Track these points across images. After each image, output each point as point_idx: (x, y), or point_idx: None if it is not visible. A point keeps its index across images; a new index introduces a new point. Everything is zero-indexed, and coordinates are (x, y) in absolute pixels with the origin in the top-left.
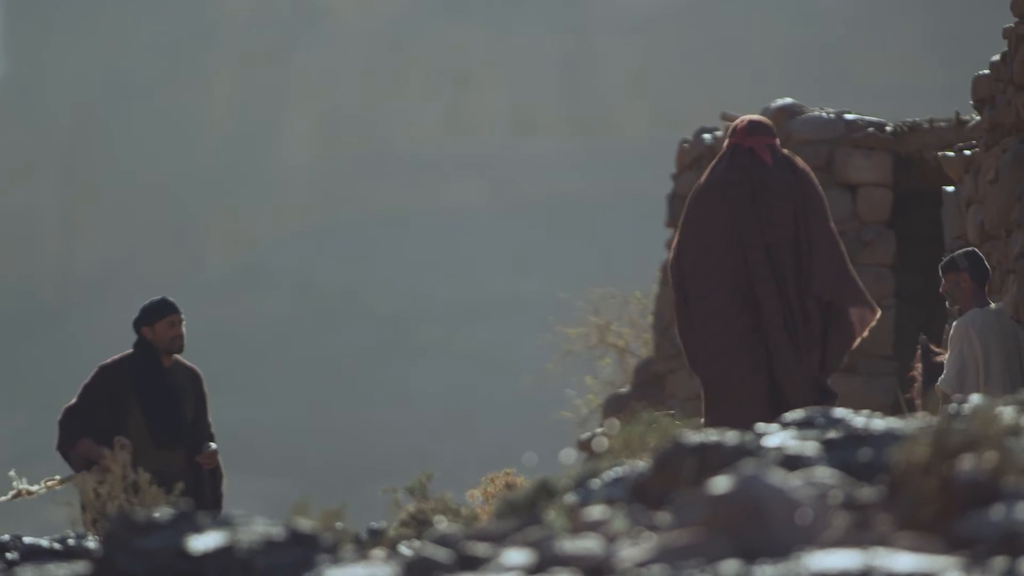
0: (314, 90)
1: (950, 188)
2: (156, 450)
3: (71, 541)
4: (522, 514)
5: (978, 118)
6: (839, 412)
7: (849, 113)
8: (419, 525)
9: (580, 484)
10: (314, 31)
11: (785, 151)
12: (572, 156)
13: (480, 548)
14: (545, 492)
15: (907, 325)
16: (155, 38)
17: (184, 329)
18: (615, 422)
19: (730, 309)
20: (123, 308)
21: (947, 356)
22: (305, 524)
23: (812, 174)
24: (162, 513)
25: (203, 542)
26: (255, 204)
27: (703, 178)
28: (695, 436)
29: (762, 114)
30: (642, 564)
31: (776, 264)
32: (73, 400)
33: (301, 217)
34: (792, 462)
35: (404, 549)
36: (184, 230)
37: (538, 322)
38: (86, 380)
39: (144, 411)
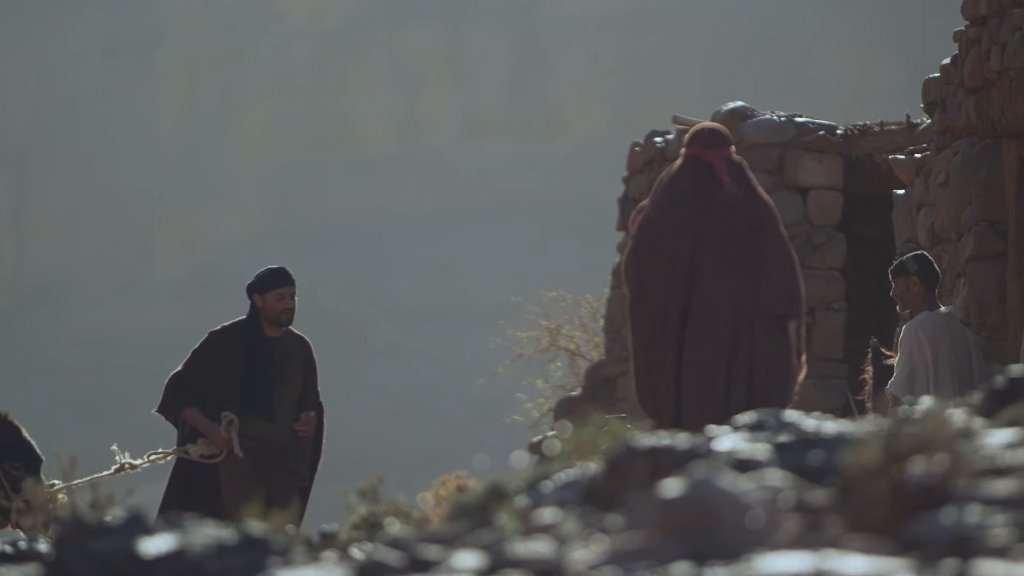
0: (266, 93)
1: (901, 191)
2: (255, 419)
3: (22, 544)
4: (473, 517)
5: (928, 121)
6: (790, 415)
7: (800, 116)
8: (371, 528)
9: (531, 487)
10: (266, 34)
11: (737, 158)
12: (523, 159)
13: (431, 551)
14: (496, 495)
15: (858, 328)
16: (106, 41)
17: (295, 302)
18: (566, 425)
19: (668, 324)
20: (75, 312)
21: (897, 359)
22: (256, 527)
23: (761, 190)
24: (114, 516)
25: (155, 545)
26: (208, 207)
27: (661, 188)
28: (646, 439)
29: (713, 117)
30: (593, 567)
31: (726, 280)
32: (179, 367)
33: (254, 219)
34: (743, 465)
35: (356, 552)
36: (137, 233)
37: (490, 325)
38: (195, 346)
39: (240, 380)
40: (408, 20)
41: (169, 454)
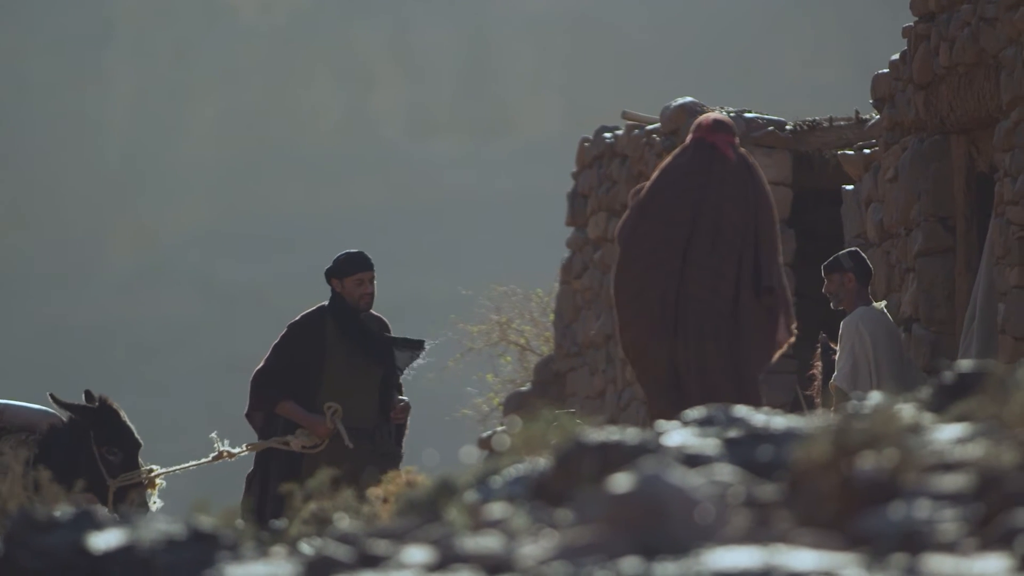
0: (215, 89)
1: (850, 186)
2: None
3: None
4: (423, 512)
5: (877, 117)
6: (739, 410)
7: (749, 112)
8: (320, 523)
9: (481, 482)
10: (215, 29)
11: (743, 150)
12: (472, 155)
13: (381, 546)
14: (446, 490)
15: (807, 323)
16: (54, 37)
17: (374, 287)
18: (516, 420)
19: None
20: (22, 308)
21: (838, 354)
22: (206, 522)
23: (764, 177)
24: (63, 511)
25: (104, 540)
26: (156, 203)
27: (664, 165)
28: (596, 434)
29: (662, 114)
30: (543, 562)
31: (720, 255)
32: (262, 363)
33: (203, 216)
34: (692, 460)
35: (305, 547)
36: (85, 229)
37: (440, 320)
38: (276, 340)
39: (347, 359)
40: (358, 16)
41: (268, 444)
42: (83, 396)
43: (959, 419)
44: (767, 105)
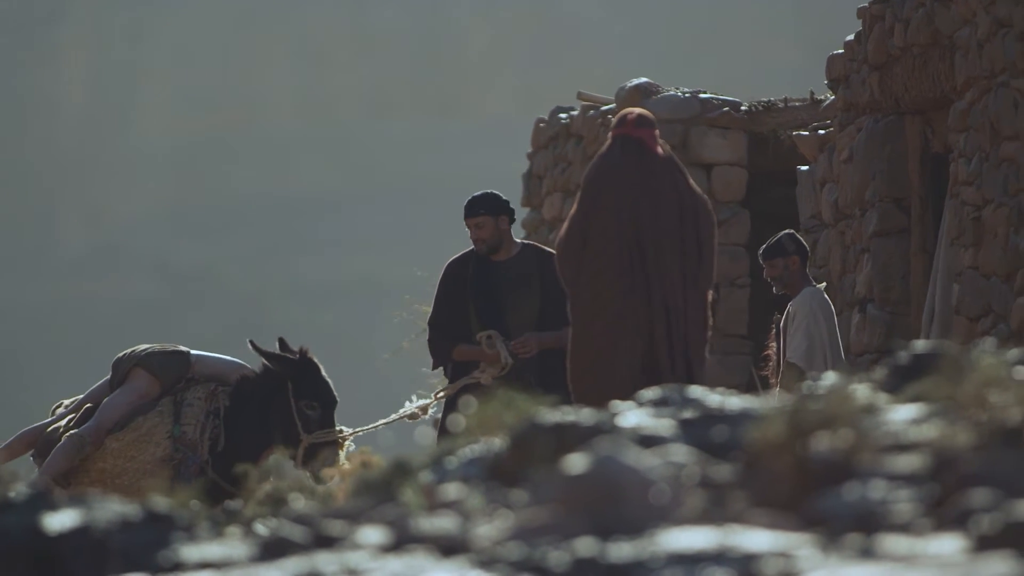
0: (169, 69)
1: (805, 167)
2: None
3: None
4: (378, 493)
5: (832, 97)
6: (694, 391)
7: (704, 92)
8: (275, 504)
9: (436, 463)
10: (169, 10)
11: (665, 146)
12: (427, 135)
13: (336, 527)
14: (401, 471)
15: (761, 304)
16: (6, 15)
17: (489, 231)
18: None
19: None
20: None
21: (793, 333)
22: (160, 503)
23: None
24: (17, 492)
25: (59, 521)
26: (111, 184)
27: (594, 164)
28: (551, 415)
29: (617, 94)
30: (498, 542)
31: (660, 252)
32: (431, 312)
33: (158, 197)
34: (648, 441)
35: (260, 528)
36: (40, 210)
37: (396, 301)
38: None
39: (472, 309)
40: None
41: (459, 386)
42: (277, 345)
43: (914, 400)
44: (722, 86)
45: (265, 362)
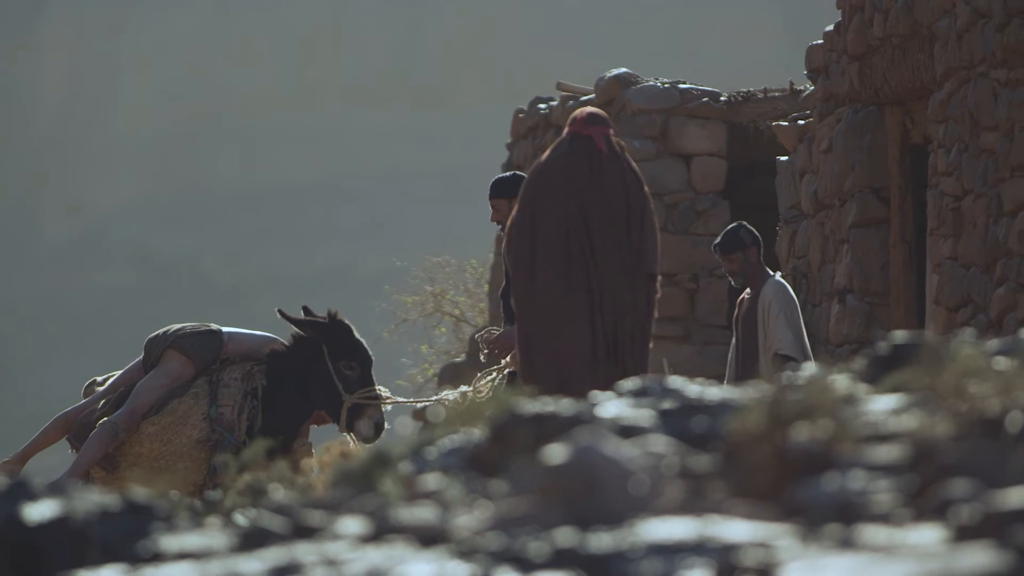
0: (150, 59)
1: (784, 158)
2: None
3: None
4: (358, 483)
5: (812, 88)
6: (674, 381)
7: (683, 83)
8: (255, 494)
9: (416, 453)
10: (149, 1)
11: (616, 139)
12: (407, 126)
13: (315, 517)
14: (380, 461)
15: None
16: None
17: (503, 217)
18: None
19: (560, 284)
20: None
21: (773, 323)
22: (140, 493)
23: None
24: None
25: (38, 511)
26: (92, 174)
27: (543, 159)
28: (531, 405)
29: (597, 84)
30: (478, 532)
31: (609, 241)
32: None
33: (138, 187)
34: (627, 431)
35: (240, 518)
36: (21, 200)
37: (375, 291)
38: None
39: None
40: None
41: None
42: (301, 312)
43: (893, 390)
44: (701, 76)
45: (295, 332)
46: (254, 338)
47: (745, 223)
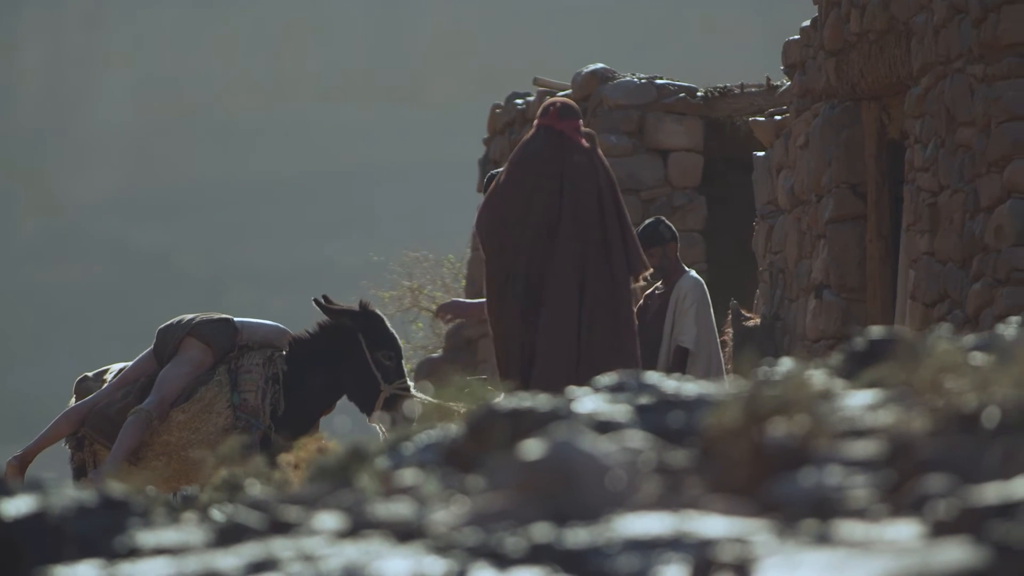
0: (127, 54)
1: (761, 153)
2: None
3: None
4: (334, 479)
5: (788, 83)
6: (651, 377)
7: (660, 78)
8: (231, 490)
9: (392, 449)
10: None
11: (587, 130)
12: (384, 122)
13: (292, 512)
14: (357, 457)
15: (718, 289)
16: None
17: None
18: (428, 386)
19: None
20: None
21: (682, 316)
22: (117, 489)
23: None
24: None
25: (14, 507)
26: (69, 169)
27: (515, 154)
28: (508, 401)
29: (573, 80)
30: (454, 528)
31: (583, 240)
32: None
33: (115, 182)
34: (604, 427)
35: (216, 514)
36: None
37: (352, 286)
38: None
39: None
40: None
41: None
42: (315, 304)
43: (870, 386)
44: (678, 71)
45: (322, 320)
46: (267, 327)
47: (664, 219)
